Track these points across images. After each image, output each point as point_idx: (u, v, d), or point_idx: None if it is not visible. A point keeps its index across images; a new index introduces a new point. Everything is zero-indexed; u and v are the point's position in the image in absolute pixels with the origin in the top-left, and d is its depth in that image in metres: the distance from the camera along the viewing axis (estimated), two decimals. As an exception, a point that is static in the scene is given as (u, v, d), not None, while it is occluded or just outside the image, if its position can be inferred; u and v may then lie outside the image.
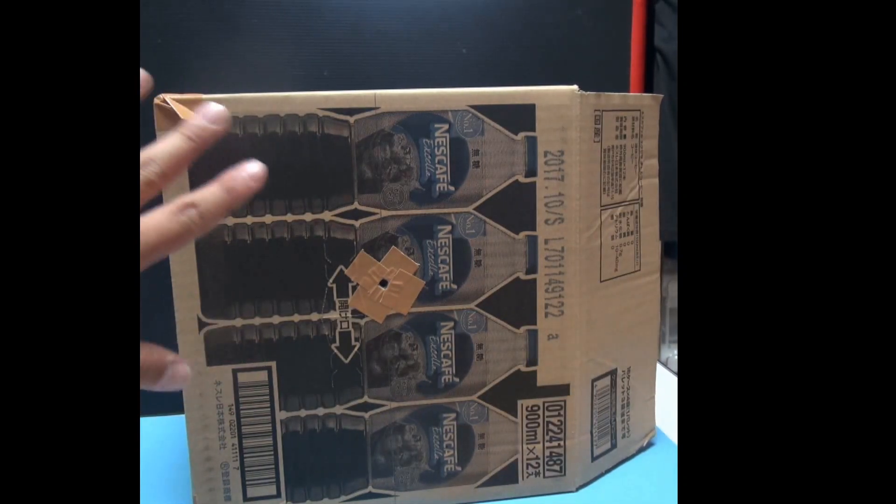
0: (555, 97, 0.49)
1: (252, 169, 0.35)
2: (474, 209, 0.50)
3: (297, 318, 0.49)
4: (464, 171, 0.49)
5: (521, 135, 0.49)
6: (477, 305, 0.51)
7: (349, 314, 0.50)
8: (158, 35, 0.70)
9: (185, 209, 0.31)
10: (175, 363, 0.32)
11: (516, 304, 0.51)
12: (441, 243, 0.50)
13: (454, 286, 0.50)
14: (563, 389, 0.53)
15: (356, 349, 0.50)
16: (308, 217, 0.48)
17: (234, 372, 0.49)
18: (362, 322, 0.50)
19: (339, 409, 0.51)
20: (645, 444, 0.62)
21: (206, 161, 0.46)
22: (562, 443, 0.54)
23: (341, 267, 0.49)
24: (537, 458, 0.54)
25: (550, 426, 0.54)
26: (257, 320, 0.49)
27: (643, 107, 0.56)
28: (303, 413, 0.51)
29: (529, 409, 0.53)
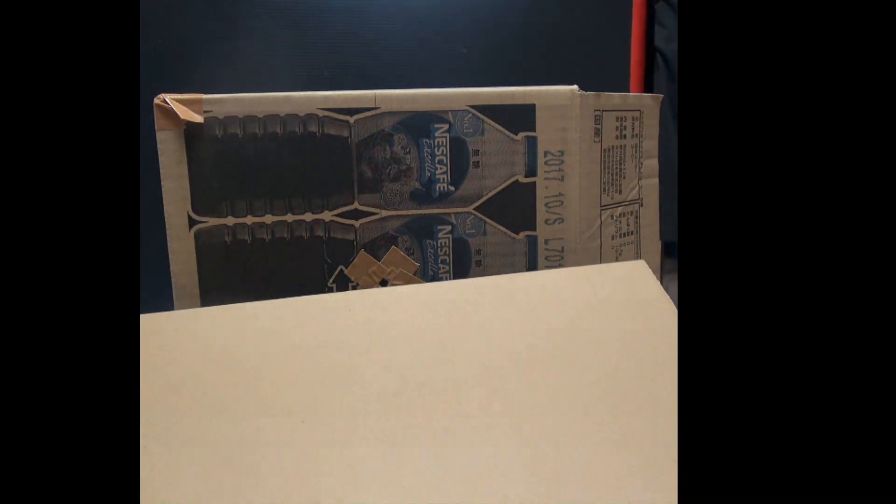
0: (555, 97, 0.49)
1: None
2: (474, 209, 0.50)
3: (297, 318, 0.49)
4: (464, 171, 0.49)
5: (521, 135, 0.49)
6: (477, 305, 0.51)
7: (349, 314, 0.50)
8: (158, 35, 0.70)
9: None
10: None
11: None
12: (441, 243, 0.50)
13: (454, 286, 0.50)
14: (563, 389, 0.53)
15: (356, 349, 0.50)
16: (308, 217, 0.48)
17: (234, 372, 0.49)
18: (362, 322, 0.50)
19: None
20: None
21: (206, 160, 0.46)
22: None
23: (341, 267, 0.49)
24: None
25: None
26: (257, 320, 0.49)
27: (643, 107, 0.56)
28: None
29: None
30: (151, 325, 0.41)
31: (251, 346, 0.39)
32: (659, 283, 0.44)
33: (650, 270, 0.44)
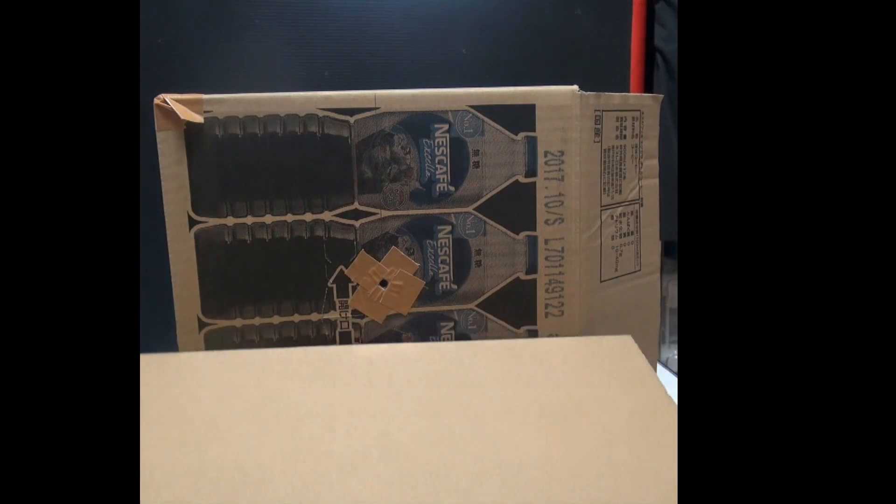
0: (555, 97, 0.49)
1: None
2: (474, 209, 0.50)
3: (297, 318, 0.49)
4: (464, 171, 0.49)
5: (521, 135, 0.49)
6: (477, 305, 0.51)
7: (349, 314, 0.50)
8: (158, 35, 0.70)
9: None
10: None
11: (516, 304, 0.51)
12: (441, 243, 0.50)
13: (454, 286, 0.50)
14: (563, 389, 0.53)
15: (356, 349, 0.50)
16: (308, 217, 0.48)
17: (234, 372, 0.49)
18: (362, 322, 0.50)
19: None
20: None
21: (206, 160, 0.46)
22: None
23: (341, 267, 0.49)
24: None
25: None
26: (257, 320, 0.49)
27: (643, 107, 0.56)
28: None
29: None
30: (154, 365, 0.42)
31: (257, 390, 0.41)
32: (644, 358, 0.46)
33: (636, 345, 0.47)
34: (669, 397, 0.41)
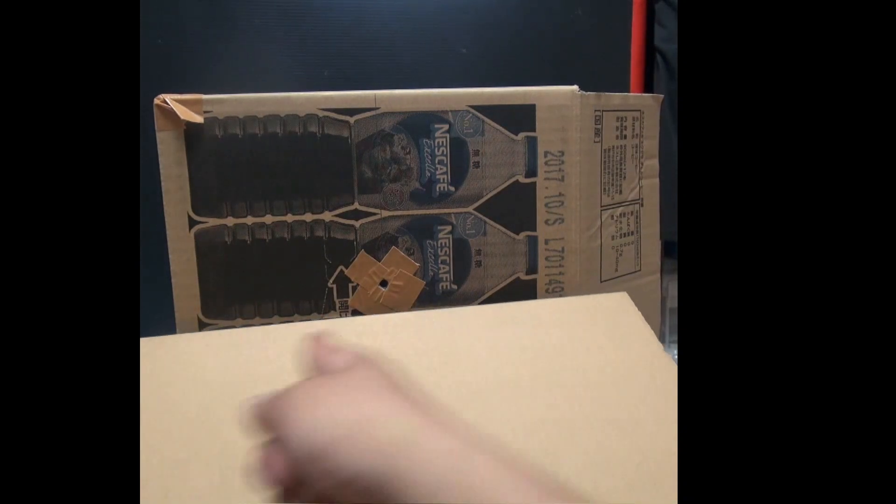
0: (555, 97, 0.49)
1: None
2: (474, 209, 0.50)
3: (297, 318, 0.49)
4: (464, 172, 0.49)
5: (521, 135, 0.49)
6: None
7: (349, 314, 0.50)
8: (158, 35, 0.70)
9: None
10: None
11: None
12: (441, 243, 0.50)
13: (454, 286, 0.50)
14: (564, 389, 0.53)
15: (356, 349, 0.50)
16: (308, 217, 0.48)
17: (235, 372, 0.49)
18: (362, 322, 0.50)
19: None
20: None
21: (206, 160, 0.46)
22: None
23: (341, 267, 0.49)
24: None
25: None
26: (257, 321, 0.49)
27: (643, 107, 0.56)
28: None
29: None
30: (149, 348, 0.42)
31: (243, 370, 0.40)
32: (640, 314, 0.45)
33: (632, 302, 0.46)
34: (664, 352, 0.41)
